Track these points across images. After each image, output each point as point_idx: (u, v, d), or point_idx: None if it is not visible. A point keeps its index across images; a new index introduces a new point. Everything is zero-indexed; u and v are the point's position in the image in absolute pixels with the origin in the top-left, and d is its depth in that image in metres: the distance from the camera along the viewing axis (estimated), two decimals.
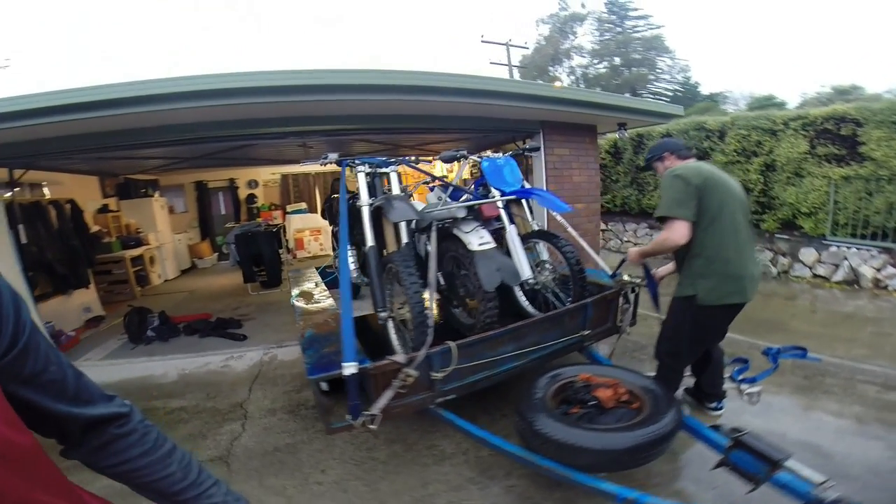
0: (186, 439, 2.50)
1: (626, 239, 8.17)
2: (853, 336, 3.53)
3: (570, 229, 3.29)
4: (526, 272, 2.65)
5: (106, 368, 3.61)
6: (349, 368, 1.75)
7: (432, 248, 2.46)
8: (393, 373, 1.87)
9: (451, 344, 2.03)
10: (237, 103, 3.04)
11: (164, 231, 7.32)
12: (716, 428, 1.82)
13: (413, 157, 3.28)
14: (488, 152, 3.29)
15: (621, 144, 8.40)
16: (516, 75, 20.48)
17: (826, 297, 4.70)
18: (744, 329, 3.72)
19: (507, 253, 2.71)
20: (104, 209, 6.29)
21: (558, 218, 3.31)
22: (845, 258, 5.05)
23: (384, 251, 2.85)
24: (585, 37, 22.26)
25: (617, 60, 21.05)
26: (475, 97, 3.64)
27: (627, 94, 20.95)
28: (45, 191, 4.61)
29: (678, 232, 2.02)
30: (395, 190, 2.90)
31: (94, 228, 5.77)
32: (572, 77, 22.99)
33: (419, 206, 3.04)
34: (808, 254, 5.38)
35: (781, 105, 12.56)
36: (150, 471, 0.66)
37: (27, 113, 2.78)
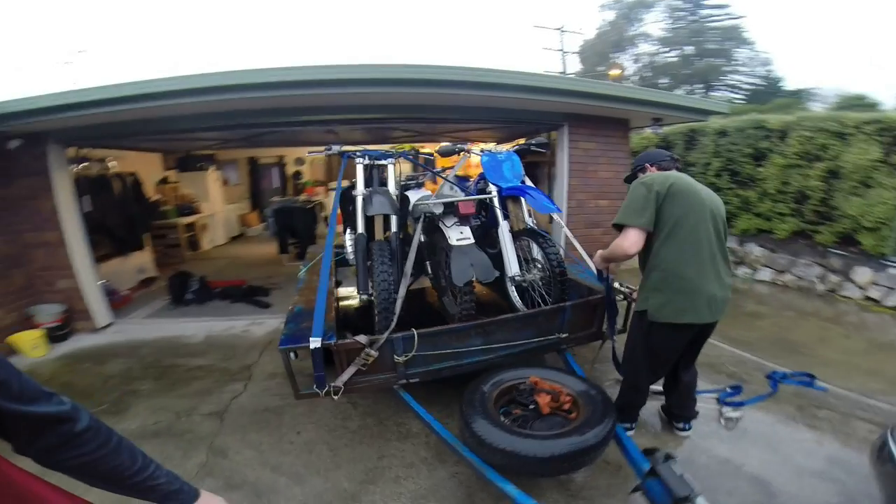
0: (195, 394, 2.93)
1: None
2: (878, 368, 3.28)
3: (565, 229, 3.32)
4: (513, 269, 2.75)
5: (147, 326, 4.22)
6: (314, 343, 2.00)
7: (415, 239, 2.62)
8: (357, 351, 2.10)
9: (414, 331, 2.20)
10: (278, 95, 3.39)
11: (216, 201, 8.12)
12: (650, 451, 1.87)
13: (413, 151, 3.44)
14: (500, 146, 3.36)
15: (672, 139, 7.98)
16: (572, 61, 19.76)
17: (871, 322, 4.32)
18: (758, 348, 3.61)
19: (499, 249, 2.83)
20: (164, 181, 7.10)
21: (555, 217, 3.34)
22: None
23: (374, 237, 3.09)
24: (654, 24, 20.87)
25: (689, 49, 19.47)
26: (487, 90, 3.71)
27: (699, 85, 19.49)
28: (111, 164, 5.31)
29: (629, 239, 1.99)
30: (391, 182, 3.08)
31: (155, 197, 6.57)
32: (638, 64, 21.69)
33: (418, 196, 3.18)
34: (862, 273, 4.92)
35: (873, 106, 11.10)
36: (104, 462, 0.74)
37: (90, 104, 3.29)
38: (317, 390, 2.09)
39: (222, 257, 7.29)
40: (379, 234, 3.23)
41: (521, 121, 4.82)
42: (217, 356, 3.52)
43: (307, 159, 10.08)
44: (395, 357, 2.21)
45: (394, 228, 2.89)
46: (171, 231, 6.65)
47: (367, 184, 3.05)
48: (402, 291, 2.36)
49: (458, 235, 2.54)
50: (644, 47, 21.26)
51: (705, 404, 2.69)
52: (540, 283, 2.76)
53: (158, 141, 5.42)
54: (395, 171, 3.18)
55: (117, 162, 5.46)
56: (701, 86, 19.50)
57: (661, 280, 2.02)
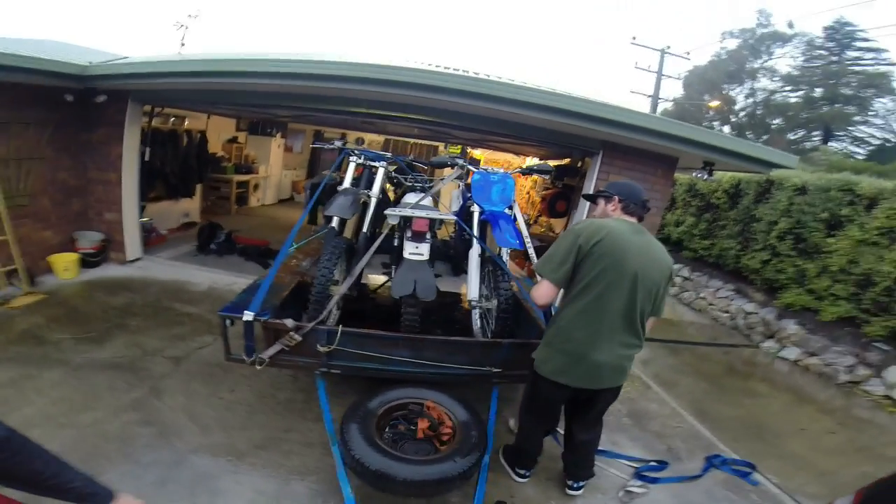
0: (170, 338, 3.37)
1: (701, 295, 7.28)
2: (834, 470, 3.05)
3: (535, 265, 3.30)
4: (471, 293, 2.83)
5: (166, 267, 4.84)
6: (247, 316, 2.29)
7: (374, 244, 2.77)
8: (284, 332, 2.35)
9: (339, 328, 2.40)
10: (338, 87, 3.71)
11: (275, 165, 8.96)
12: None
13: (410, 157, 3.58)
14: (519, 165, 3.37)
15: (744, 187, 7.37)
16: (671, 85, 18.75)
17: (873, 421, 3.95)
18: (725, 427, 3.43)
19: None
20: (233, 139, 7.97)
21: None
22: None
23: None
24: (783, 59, 18.85)
25: (817, 92, 17.31)
26: (503, 105, 3.68)
27: (817, 133, 17.42)
28: (185, 121, 6.13)
29: (540, 290, 1.98)
30: (377, 185, 3.17)
31: (219, 154, 7.42)
32: (750, 100, 19.79)
33: (413, 200, 3.27)
34: (894, 373, 4.35)
35: None
36: (20, 468, 0.85)
37: (160, 74, 3.89)
38: (245, 358, 2.37)
39: (263, 216, 8.05)
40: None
41: (556, 143, 4.70)
42: (207, 307, 3.97)
43: (366, 139, 10.68)
44: (319, 346, 2.42)
45: (364, 229, 3.10)
46: (224, 185, 7.51)
47: (357, 182, 3.22)
48: (342, 289, 2.59)
49: (413, 249, 2.60)
50: (764, 83, 19.36)
51: (619, 473, 2.66)
52: (495, 313, 2.77)
53: (227, 108, 6.12)
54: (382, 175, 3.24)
55: (191, 120, 6.27)
56: (818, 133, 17.40)
57: (554, 335, 2.03)
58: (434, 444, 2.17)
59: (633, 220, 2.06)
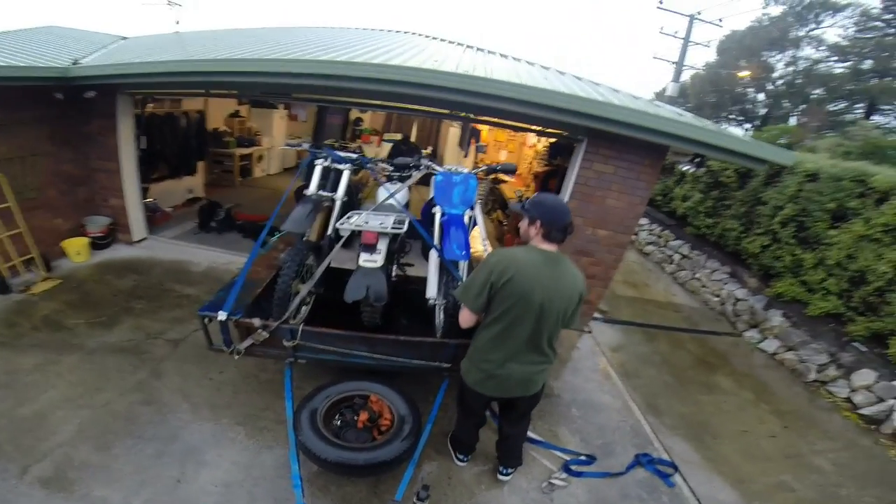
0: (170, 320, 3.89)
1: (696, 276, 7.48)
2: (753, 477, 3.30)
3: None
4: (430, 291, 3.04)
5: (169, 247, 5.36)
6: (221, 316, 2.70)
7: (333, 251, 3.06)
8: (253, 329, 2.78)
9: (300, 327, 2.81)
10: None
11: (278, 136, 9.30)
12: (425, 487, 2.39)
13: (374, 159, 3.79)
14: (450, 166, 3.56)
15: (754, 169, 7.32)
16: (700, 52, 18.21)
17: (823, 428, 4.17)
18: (670, 424, 3.72)
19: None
20: (235, 114, 8.31)
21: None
22: None
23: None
24: (832, 29, 18.11)
25: (867, 64, 16.47)
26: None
27: (860, 105, 16.96)
28: (182, 103, 6.47)
29: (463, 316, 2.27)
30: (342, 188, 3.33)
31: (222, 128, 7.81)
32: (791, 68, 18.98)
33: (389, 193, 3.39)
34: (863, 376, 4.59)
35: None
36: None
37: (143, 74, 4.21)
38: (224, 348, 2.83)
39: (266, 188, 8.48)
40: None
41: (543, 127, 4.88)
42: (205, 288, 4.48)
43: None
44: (284, 342, 2.85)
45: (329, 231, 3.28)
46: (227, 159, 7.95)
47: (323, 185, 3.35)
48: (304, 290, 2.93)
49: (367, 257, 2.80)
50: (808, 51, 18.63)
51: (550, 464, 3.03)
52: (451, 312, 2.97)
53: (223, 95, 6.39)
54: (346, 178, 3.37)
55: (187, 101, 6.59)
56: (861, 106, 16.75)
57: (473, 351, 2.38)
58: (372, 434, 2.62)
59: (552, 247, 2.16)
